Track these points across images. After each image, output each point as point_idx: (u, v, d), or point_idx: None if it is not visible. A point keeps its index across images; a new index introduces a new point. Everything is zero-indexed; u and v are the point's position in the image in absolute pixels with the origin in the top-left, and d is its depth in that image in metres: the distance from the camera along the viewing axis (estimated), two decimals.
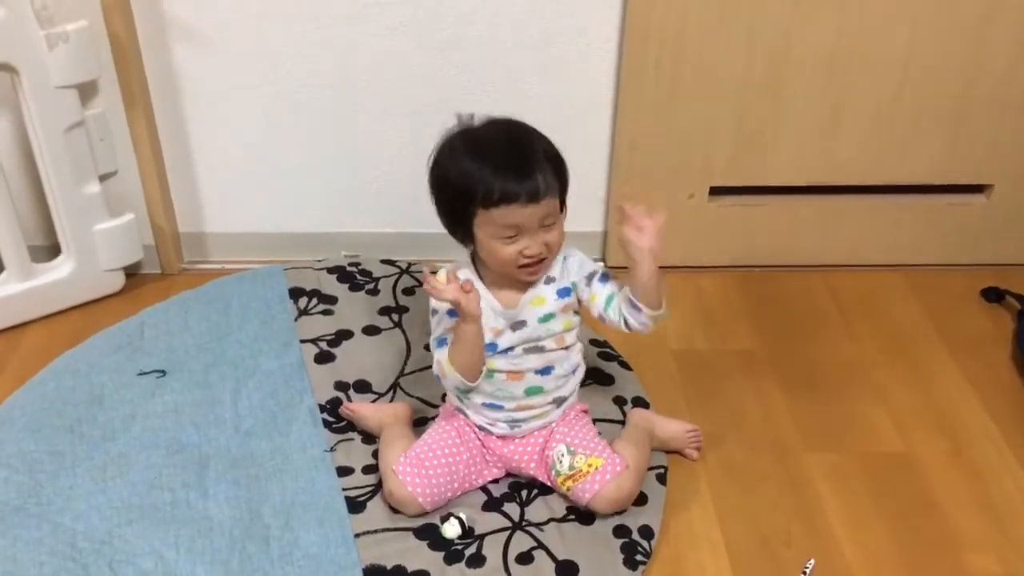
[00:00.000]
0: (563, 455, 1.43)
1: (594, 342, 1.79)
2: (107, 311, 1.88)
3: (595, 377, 1.69)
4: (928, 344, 1.84)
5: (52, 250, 1.89)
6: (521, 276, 1.37)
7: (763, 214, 2.00)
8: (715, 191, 1.98)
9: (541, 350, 1.41)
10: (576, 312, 1.44)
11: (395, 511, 1.42)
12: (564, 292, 1.40)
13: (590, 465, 1.41)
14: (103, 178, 1.85)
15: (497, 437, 1.47)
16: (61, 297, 1.87)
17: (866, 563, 1.39)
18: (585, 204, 1.97)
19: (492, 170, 1.28)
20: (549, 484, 1.46)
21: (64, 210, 1.80)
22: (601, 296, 1.40)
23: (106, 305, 1.91)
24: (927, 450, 1.59)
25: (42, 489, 1.46)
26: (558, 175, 1.32)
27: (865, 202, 2.01)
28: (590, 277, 1.41)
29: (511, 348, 1.40)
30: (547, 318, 1.40)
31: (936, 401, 1.70)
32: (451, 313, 1.36)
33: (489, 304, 1.38)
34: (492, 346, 1.39)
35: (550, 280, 1.40)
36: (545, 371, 1.43)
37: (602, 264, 1.42)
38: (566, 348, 1.44)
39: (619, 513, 1.42)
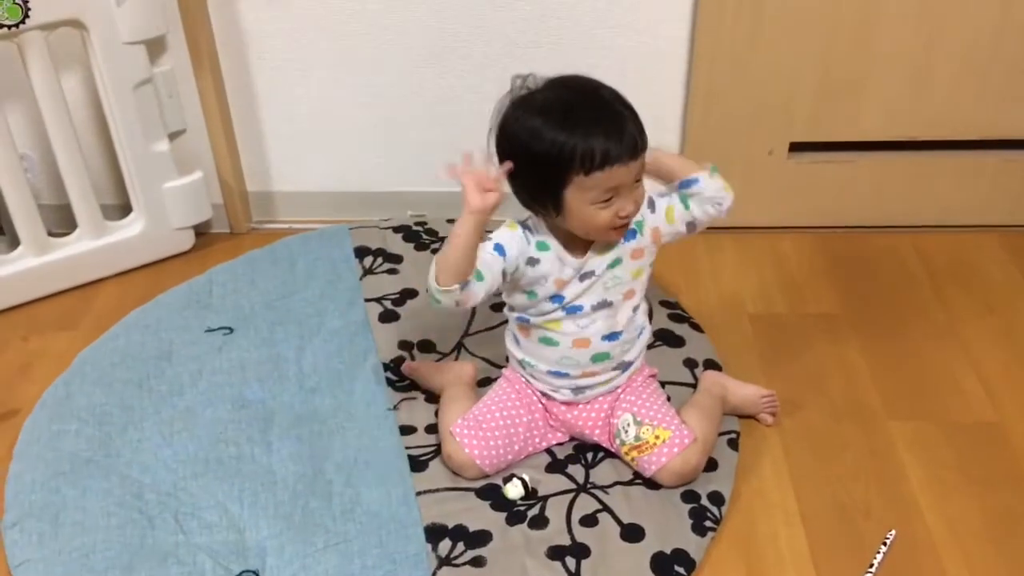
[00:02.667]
0: (629, 425, 1.38)
1: (664, 303, 1.73)
2: (177, 269, 1.90)
3: (665, 339, 1.64)
4: None
5: (124, 209, 1.91)
6: (611, 238, 1.31)
7: (847, 172, 1.90)
8: (796, 147, 1.88)
9: (609, 306, 1.35)
10: (651, 263, 1.37)
11: (455, 473, 1.40)
12: (630, 234, 1.33)
13: (657, 437, 1.36)
14: (172, 136, 1.86)
15: (561, 403, 1.43)
16: (133, 255, 1.89)
17: (950, 536, 1.32)
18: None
19: (586, 135, 1.20)
20: (613, 451, 1.42)
21: (134, 168, 1.81)
22: (675, 202, 1.34)
23: (176, 263, 1.93)
24: (1019, 420, 1.50)
25: (111, 441, 1.48)
26: (641, 126, 1.25)
27: (959, 159, 1.89)
28: (651, 204, 1.34)
29: (579, 307, 1.34)
30: (615, 264, 1.34)
31: None
32: (497, 248, 1.30)
33: (557, 254, 1.32)
34: (558, 298, 1.34)
35: None
36: (612, 336, 1.37)
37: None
38: (634, 308, 1.38)
39: (685, 485, 1.37)
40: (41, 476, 1.42)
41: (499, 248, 1.30)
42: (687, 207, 1.34)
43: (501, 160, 1.27)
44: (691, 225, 1.35)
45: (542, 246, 1.32)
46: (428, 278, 1.28)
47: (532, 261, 1.32)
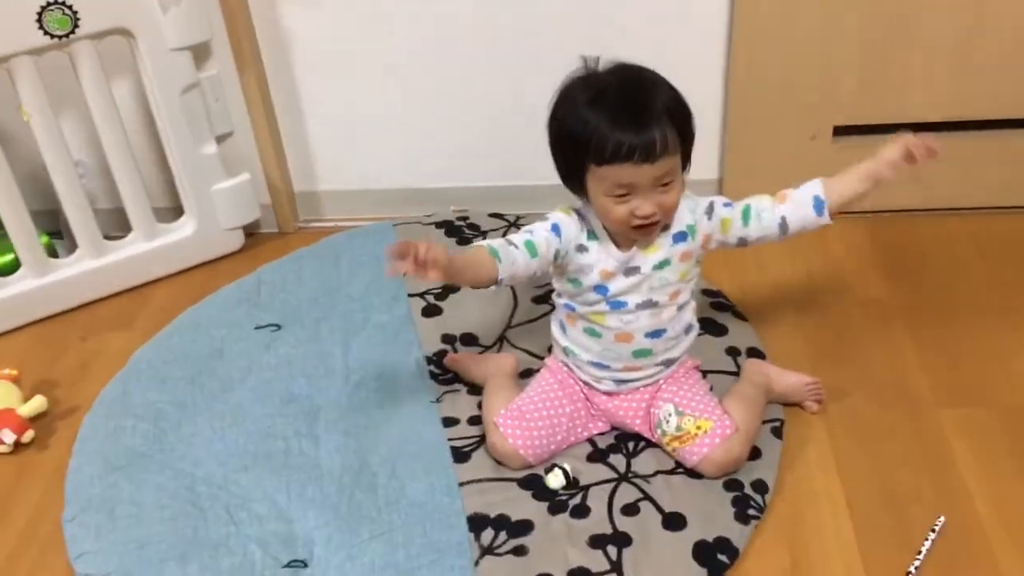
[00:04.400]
0: (670, 415, 1.38)
1: (707, 292, 1.72)
2: (228, 269, 1.94)
3: (708, 327, 1.63)
4: None
5: (176, 211, 1.96)
6: (634, 235, 1.30)
7: None
8: (840, 130, 1.85)
9: (654, 305, 1.35)
10: (697, 262, 1.37)
11: (499, 463, 1.41)
12: (680, 237, 1.33)
13: (699, 427, 1.35)
14: (219, 139, 1.91)
15: (603, 393, 1.44)
16: (185, 256, 1.94)
17: (1001, 523, 1.29)
18: (698, 148, 1.88)
19: (607, 122, 1.19)
20: (655, 441, 1.42)
21: (184, 171, 1.86)
22: (735, 217, 1.32)
23: (227, 263, 1.97)
24: None
25: (165, 437, 1.52)
26: (681, 132, 1.23)
27: (1010, 139, 1.84)
28: (709, 210, 1.33)
29: (624, 303, 1.34)
30: (662, 265, 1.33)
31: None
32: (554, 228, 1.31)
33: (604, 244, 1.32)
34: (602, 288, 1.34)
35: (665, 228, 1.33)
36: (656, 334, 1.37)
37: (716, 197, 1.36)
38: (679, 307, 1.37)
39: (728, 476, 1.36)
40: (99, 471, 1.47)
41: (555, 228, 1.32)
42: (746, 223, 1.32)
43: (548, 130, 1.28)
44: (743, 241, 1.34)
45: (591, 235, 1.33)
46: None
47: (581, 248, 1.33)
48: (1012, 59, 1.74)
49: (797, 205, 1.32)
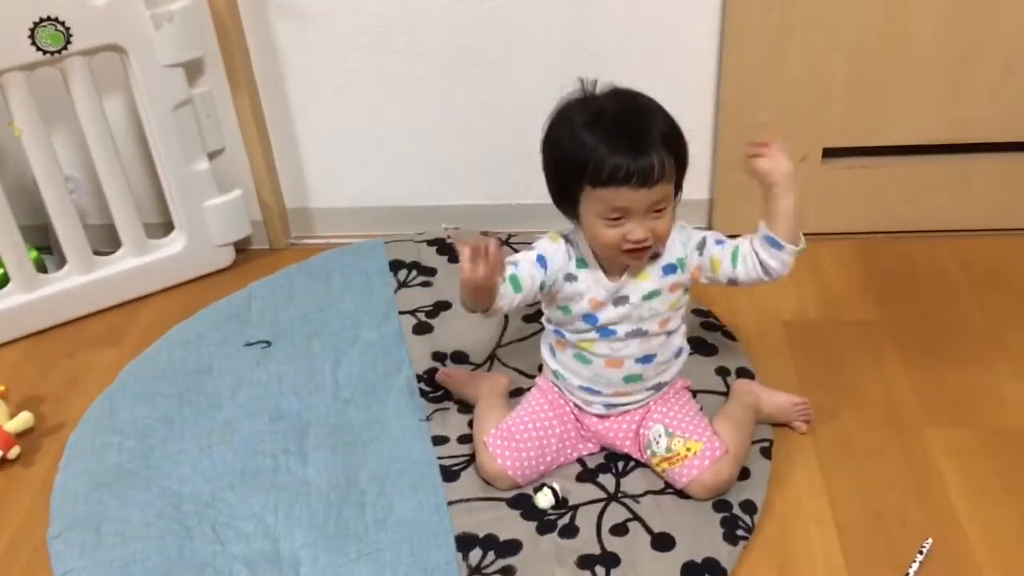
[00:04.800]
0: (660, 436, 1.38)
1: (697, 312, 1.72)
2: (219, 285, 1.94)
3: (697, 347, 1.63)
4: None
5: (167, 227, 1.96)
6: (625, 260, 1.30)
7: (883, 177, 1.88)
8: (830, 152, 1.87)
9: (643, 334, 1.35)
10: (686, 291, 1.37)
11: (488, 483, 1.40)
12: (670, 269, 1.33)
13: (688, 449, 1.35)
14: (211, 156, 1.91)
15: (593, 415, 1.43)
16: (175, 272, 1.94)
17: (989, 544, 1.29)
18: (689, 170, 1.89)
19: (606, 146, 1.19)
20: (644, 462, 1.41)
21: (175, 187, 1.86)
22: (724, 257, 1.30)
23: (218, 279, 1.97)
24: None
25: (152, 454, 1.52)
26: (677, 159, 1.23)
27: (998, 161, 1.86)
28: (700, 246, 1.32)
29: (613, 331, 1.34)
30: (652, 295, 1.33)
31: None
32: (540, 260, 1.31)
33: (593, 273, 1.32)
34: (592, 318, 1.34)
35: (655, 256, 1.32)
36: (646, 359, 1.37)
37: (707, 230, 1.36)
38: (669, 333, 1.37)
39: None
40: (85, 488, 1.46)
41: (541, 259, 1.31)
42: (735, 264, 1.30)
43: (542, 152, 1.28)
44: (732, 281, 1.32)
45: (581, 263, 1.33)
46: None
47: (570, 277, 1.32)
48: (1000, 83, 1.76)
49: (762, 246, 1.29)
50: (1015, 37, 1.71)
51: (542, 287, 1.32)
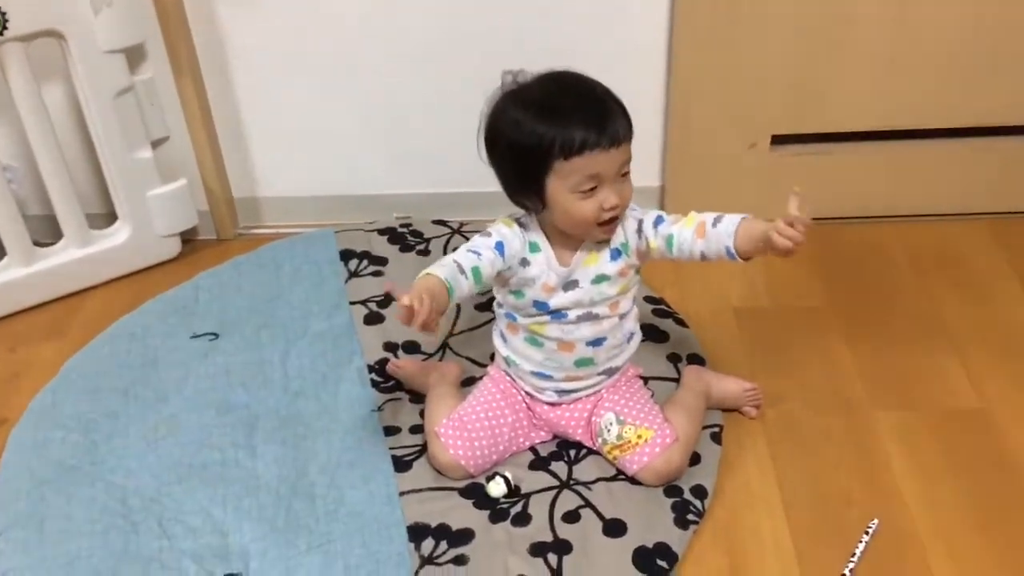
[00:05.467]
0: (611, 424, 1.38)
1: (649, 299, 1.73)
2: (165, 276, 1.90)
3: (649, 334, 1.63)
4: (1011, 296, 1.73)
5: (110, 217, 1.91)
6: (598, 236, 1.30)
7: (829, 163, 1.90)
8: (778, 139, 1.88)
9: (595, 318, 1.35)
10: (636, 271, 1.37)
11: (441, 473, 1.40)
12: (616, 254, 1.33)
13: (639, 436, 1.36)
14: (155, 144, 1.87)
15: (545, 403, 1.43)
16: (119, 263, 1.89)
17: (934, 523, 1.32)
18: (640, 157, 1.89)
19: (568, 121, 1.21)
20: (596, 450, 1.42)
21: (118, 176, 1.82)
22: (660, 245, 1.31)
23: (164, 271, 1.93)
24: (1005, 406, 1.50)
25: (96, 449, 1.48)
26: (628, 119, 1.26)
27: (940, 147, 1.89)
28: (639, 230, 1.33)
29: (564, 314, 1.34)
30: (600, 279, 1.33)
31: (1017, 356, 1.59)
32: (498, 247, 1.30)
33: (546, 257, 1.32)
34: (543, 304, 1.34)
35: (603, 242, 1.34)
36: (597, 343, 1.37)
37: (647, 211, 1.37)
38: (620, 317, 1.38)
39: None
40: (27, 485, 1.42)
41: (500, 247, 1.31)
42: (669, 249, 1.31)
43: (489, 152, 1.29)
44: (667, 259, 1.34)
45: (533, 247, 1.32)
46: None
47: (524, 262, 1.32)
48: (941, 70, 1.78)
49: (711, 245, 1.29)
50: (953, 25, 1.73)
51: (497, 274, 1.32)
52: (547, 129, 1.21)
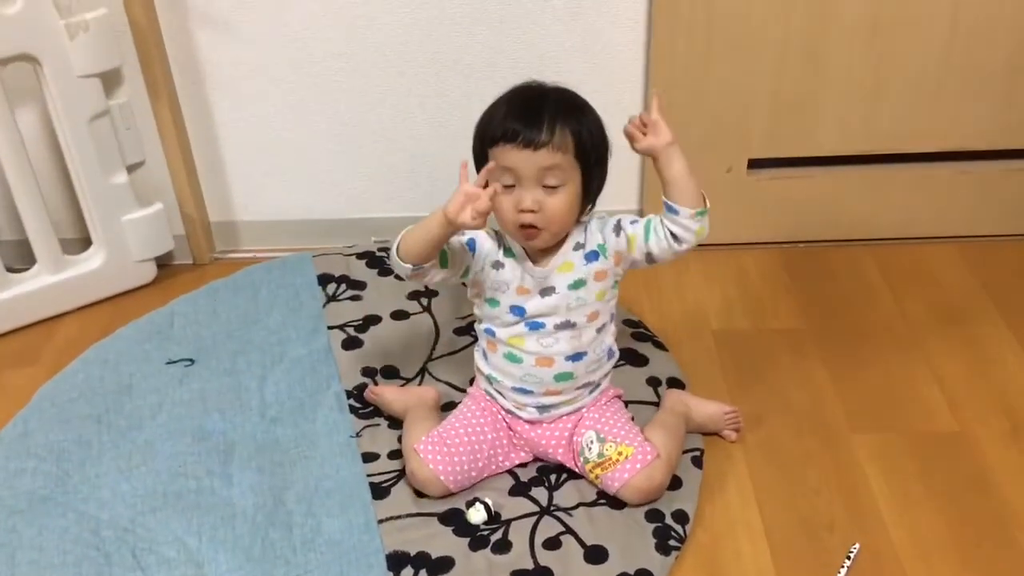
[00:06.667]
0: (592, 442, 1.38)
1: (628, 322, 1.73)
2: (140, 302, 1.88)
3: (628, 358, 1.63)
4: (985, 319, 1.74)
5: (84, 243, 1.89)
6: (519, 239, 1.32)
7: (806, 187, 1.92)
8: (754, 163, 1.90)
9: (572, 326, 1.35)
10: (615, 283, 1.38)
11: (420, 495, 1.39)
12: (592, 256, 1.34)
13: (620, 453, 1.36)
14: (131, 168, 1.85)
15: (525, 421, 1.43)
16: (93, 289, 1.87)
17: (914, 547, 1.32)
18: (619, 182, 1.91)
19: (505, 114, 1.26)
20: (577, 471, 1.41)
21: (92, 201, 1.80)
22: (638, 233, 1.33)
23: (139, 296, 1.91)
24: (982, 429, 1.50)
25: (68, 478, 1.46)
26: (578, 139, 1.26)
27: (914, 171, 1.91)
28: (617, 228, 1.35)
29: (542, 324, 1.35)
30: (577, 284, 1.34)
31: (993, 379, 1.61)
32: (470, 243, 1.35)
33: (521, 261, 1.34)
34: (519, 310, 1.34)
35: (579, 246, 1.35)
36: (576, 357, 1.37)
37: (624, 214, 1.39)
38: (599, 330, 1.38)
39: (649, 503, 1.36)
40: None
41: (471, 243, 1.35)
42: (647, 238, 1.32)
43: (476, 160, 1.32)
44: (649, 257, 1.34)
45: (508, 252, 1.35)
46: (392, 243, 1.33)
47: (497, 265, 1.35)
48: (917, 96, 1.81)
49: (666, 215, 1.31)
50: (928, 51, 1.76)
51: (467, 271, 1.35)
52: (488, 117, 1.29)
